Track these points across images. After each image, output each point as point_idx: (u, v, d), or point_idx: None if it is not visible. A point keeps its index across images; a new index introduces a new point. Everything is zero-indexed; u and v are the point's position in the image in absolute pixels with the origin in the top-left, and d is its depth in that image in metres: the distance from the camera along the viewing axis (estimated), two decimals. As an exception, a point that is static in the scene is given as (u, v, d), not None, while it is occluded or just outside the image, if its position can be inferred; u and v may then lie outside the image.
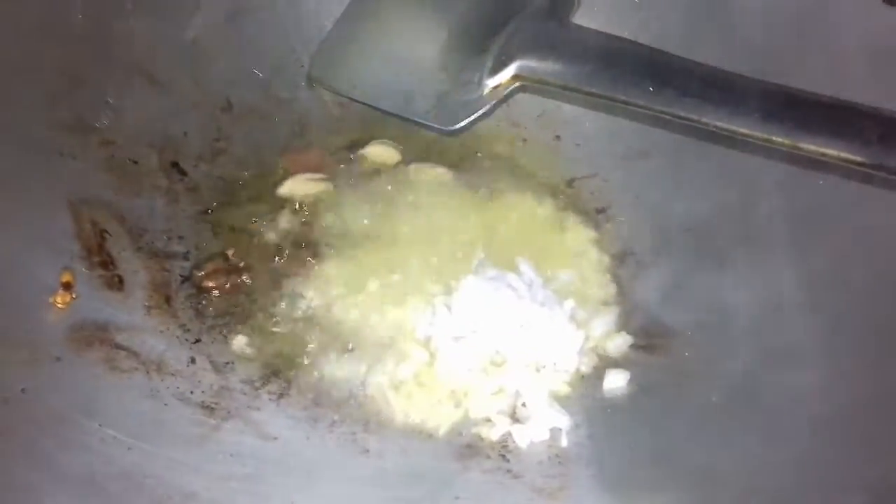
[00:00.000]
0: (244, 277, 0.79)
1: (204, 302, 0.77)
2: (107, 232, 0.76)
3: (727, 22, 0.89)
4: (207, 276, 0.78)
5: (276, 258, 0.81)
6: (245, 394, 0.71)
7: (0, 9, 0.75)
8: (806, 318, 0.73)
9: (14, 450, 0.55)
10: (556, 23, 0.85)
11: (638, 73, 0.75)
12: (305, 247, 0.82)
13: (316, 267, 0.80)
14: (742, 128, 0.69)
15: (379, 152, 0.93)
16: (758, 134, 0.68)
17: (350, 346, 0.75)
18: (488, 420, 0.72)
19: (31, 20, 0.77)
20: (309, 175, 0.89)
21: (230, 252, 0.81)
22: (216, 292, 0.78)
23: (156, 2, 0.87)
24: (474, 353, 0.75)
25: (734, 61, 0.76)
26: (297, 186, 0.88)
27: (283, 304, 0.78)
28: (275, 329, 0.76)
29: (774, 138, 0.66)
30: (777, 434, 0.67)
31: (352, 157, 0.92)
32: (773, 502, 0.63)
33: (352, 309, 0.77)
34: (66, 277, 0.70)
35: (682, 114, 0.72)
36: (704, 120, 0.71)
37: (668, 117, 0.74)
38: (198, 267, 0.79)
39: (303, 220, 0.85)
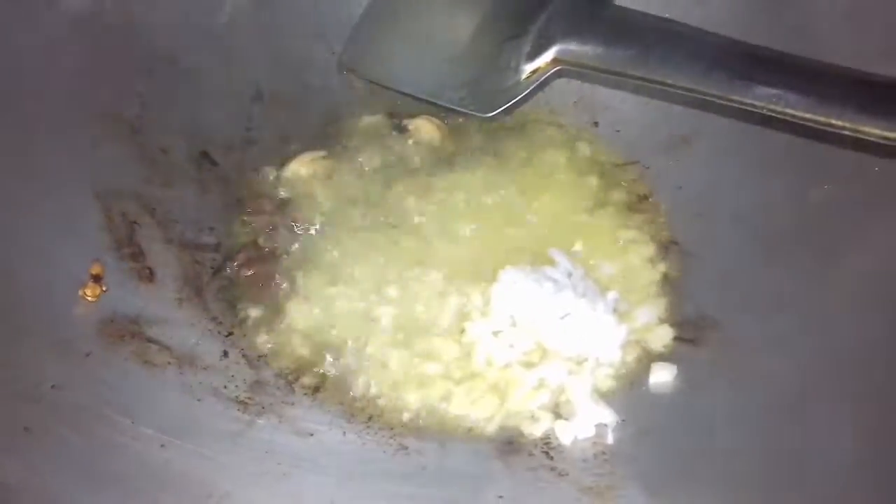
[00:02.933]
0: (275, 266, 0.77)
1: (236, 293, 0.75)
2: (136, 223, 0.74)
3: (772, 4, 0.86)
4: (240, 266, 0.76)
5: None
6: (279, 388, 0.69)
7: (29, -1, 0.73)
8: (860, 314, 0.70)
9: (45, 449, 0.54)
10: (597, 4, 0.82)
11: (687, 56, 0.72)
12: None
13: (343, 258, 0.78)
14: (801, 111, 0.65)
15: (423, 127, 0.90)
16: (819, 118, 0.64)
17: (385, 339, 0.73)
18: (531, 416, 0.69)
19: (60, 9, 0.76)
20: (311, 154, 0.87)
21: (260, 240, 0.79)
22: (248, 282, 0.76)
23: (185, -12, 0.85)
24: (513, 347, 0.72)
25: (783, 43, 0.73)
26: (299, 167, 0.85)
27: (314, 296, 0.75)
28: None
29: (835, 122, 0.63)
30: (829, 435, 0.64)
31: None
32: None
33: (386, 302, 0.75)
34: (95, 269, 0.68)
35: (736, 97, 0.69)
36: (759, 104, 0.68)
37: (719, 101, 0.71)
38: (229, 257, 0.77)
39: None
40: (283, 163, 0.85)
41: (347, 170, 0.87)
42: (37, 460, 0.52)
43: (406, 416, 0.69)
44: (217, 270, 0.76)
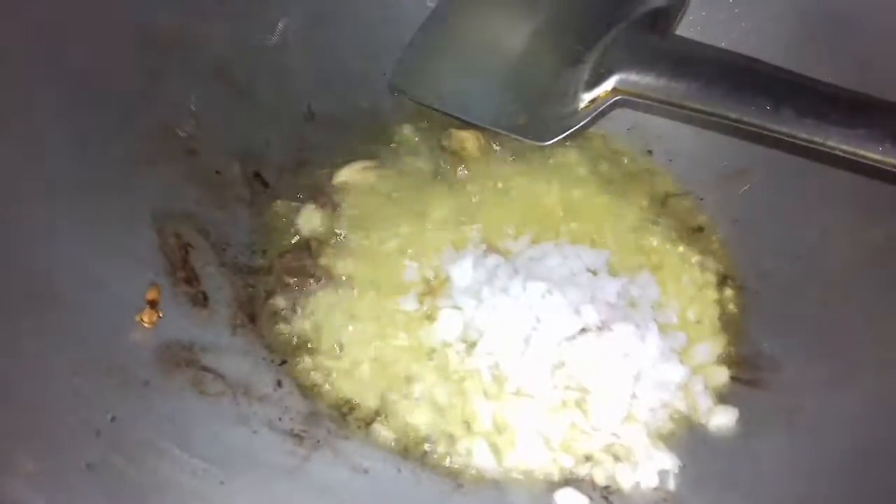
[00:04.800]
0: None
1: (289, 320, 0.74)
2: (190, 245, 0.73)
3: (837, 36, 0.84)
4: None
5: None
6: (333, 420, 0.68)
7: (86, 17, 0.73)
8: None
9: (108, 483, 0.52)
10: (658, 34, 0.80)
11: (753, 90, 0.71)
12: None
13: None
14: (875, 154, 0.64)
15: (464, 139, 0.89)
16: (893, 160, 0.63)
17: (434, 373, 0.71)
18: (588, 459, 0.68)
19: (116, 27, 0.75)
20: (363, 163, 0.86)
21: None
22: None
23: (239, 8, 0.85)
24: (565, 386, 0.70)
25: (845, 79, 0.72)
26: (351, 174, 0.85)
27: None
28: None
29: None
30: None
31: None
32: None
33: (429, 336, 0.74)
34: (151, 294, 0.67)
35: (804, 135, 0.68)
36: (830, 143, 0.66)
37: (784, 138, 0.69)
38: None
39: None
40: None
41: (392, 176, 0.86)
42: (99, 498, 0.51)
43: (460, 455, 0.67)
44: (270, 294, 0.75)
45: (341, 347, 0.72)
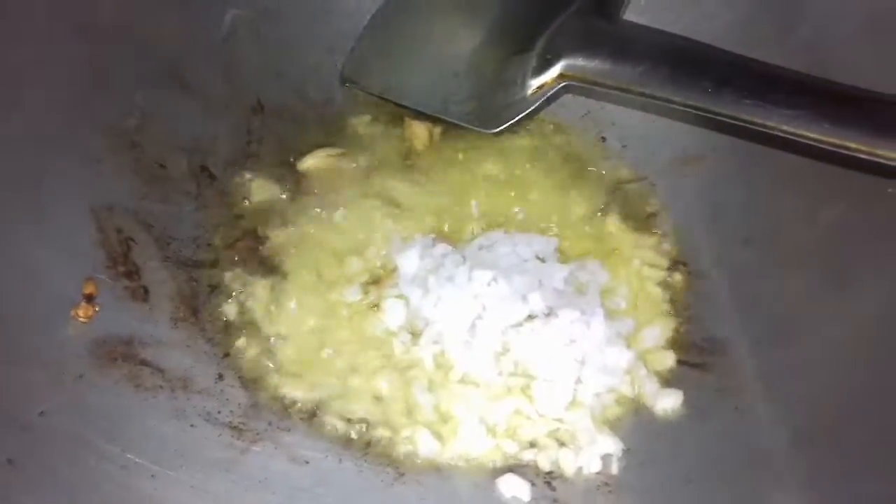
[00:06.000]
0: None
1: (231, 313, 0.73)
2: (132, 240, 0.73)
3: (784, 19, 0.84)
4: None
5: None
6: (275, 412, 0.67)
7: (28, 8, 0.72)
8: (873, 340, 0.68)
9: (32, 478, 0.52)
10: (604, 19, 0.80)
11: (695, 73, 0.71)
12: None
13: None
14: (815, 133, 0.64)
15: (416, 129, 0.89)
16: (833, 140, 0.63)
17: (377, 363, 0.71)
18: (532, 445, 0.67)
19: (59, 19, 0.75)
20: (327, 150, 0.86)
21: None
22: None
23: (187, 1, 0.84)
24: (510, 373, 0.70)
25: (795, 60, 0.72)
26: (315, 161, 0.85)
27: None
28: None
29: (850, 144, 0.61)
30: (840, 467, 0.62)
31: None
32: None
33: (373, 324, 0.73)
34: (88, 289, 0.66)
35: (744, 117, 0.68)
36: (769, 124, 0.66)
37: (729, 121, 0.69)
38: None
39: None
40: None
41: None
42: (20, 494, 0.50)
43: (403, 444, 0.67)
44: (214, 287, 0.74)
45: (285, 339, 0.71)
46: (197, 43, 0.85)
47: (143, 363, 0.65)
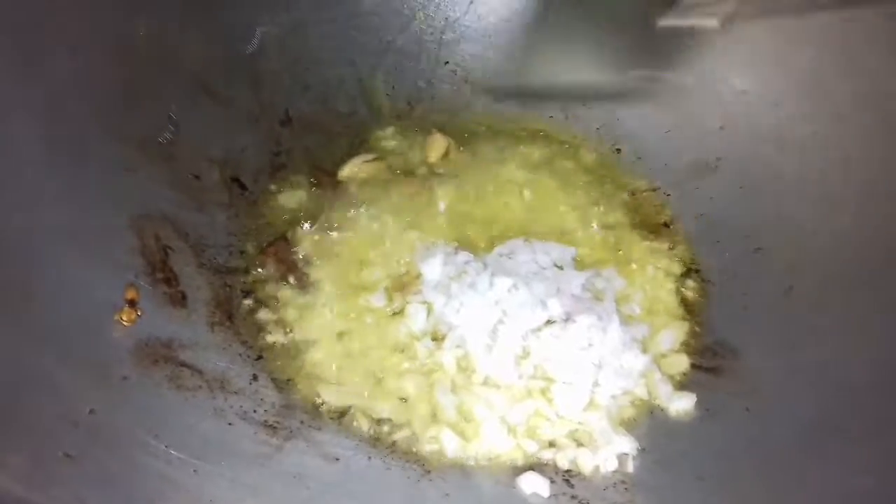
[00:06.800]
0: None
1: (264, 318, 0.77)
2: (170, 247, 0.76)
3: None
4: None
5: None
6: (307, 412, 0.70)
7: (65, 24, 0.75)
8: (882, 350, 0.70)
9: (84, 473, 0.55)
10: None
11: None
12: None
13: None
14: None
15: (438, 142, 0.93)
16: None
17: (402, 366, 0.74)
18: (552, 445, 0.70)
19: (95, 36, 0.78)
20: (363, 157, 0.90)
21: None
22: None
23: (218, 18, 0.88)
24: (530, 376, 0.73)
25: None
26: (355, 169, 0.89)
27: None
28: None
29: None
30: (846, 470, 0.64)
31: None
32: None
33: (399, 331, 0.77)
34: (130, 294, 0.70)
35: None
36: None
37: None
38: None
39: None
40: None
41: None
42: (79, 486, 0.54)
43: (428, 444, 0.70)
44: (247, 293, 0.78)
45: (313, 343, 0.75)
46: (228, 58, 0.89)
47: (183, 364, 0.68)
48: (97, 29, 0.78)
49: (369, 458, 0.68)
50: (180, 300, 0.73)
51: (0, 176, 0.66)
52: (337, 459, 0.67)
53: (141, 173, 0.78)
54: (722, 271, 0.84)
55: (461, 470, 0.68)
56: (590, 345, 0.74)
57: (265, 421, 0.67)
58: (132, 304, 0.69)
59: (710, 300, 0.82)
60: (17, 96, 0.69)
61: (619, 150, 0.95)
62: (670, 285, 0.83)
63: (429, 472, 0.68)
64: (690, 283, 0.83)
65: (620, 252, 0.85)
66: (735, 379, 0.75)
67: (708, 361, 0.77)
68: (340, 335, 0.75)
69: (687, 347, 0.78)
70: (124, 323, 0.68)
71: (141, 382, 0.64)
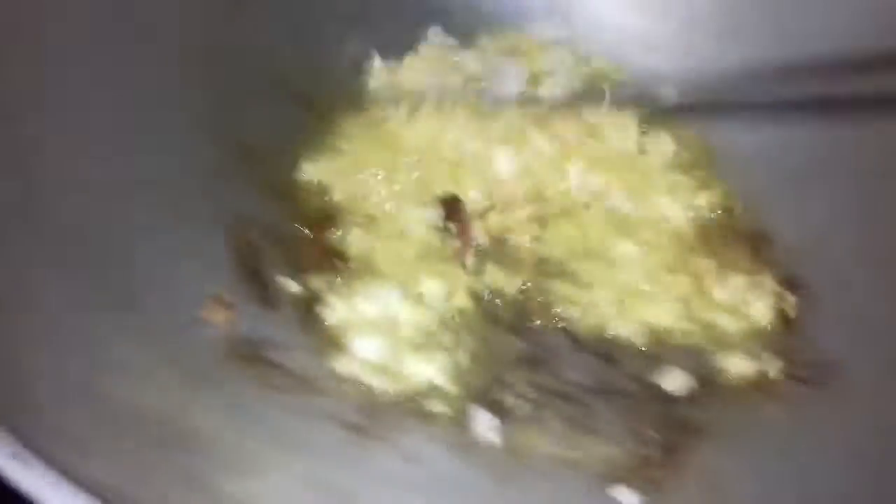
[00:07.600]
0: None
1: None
2: (260, 251, 0.78)
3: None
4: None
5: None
6: (390, 415, 0.71)
7: (163, 28, 0.80)
8: None
9: (174, 474, 0.57)
10: None
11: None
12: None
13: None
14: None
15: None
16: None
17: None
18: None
19: (193, 40, 0.82)
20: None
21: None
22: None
23: (308, 30, 0.91)
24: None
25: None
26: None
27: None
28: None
29: None
30: None
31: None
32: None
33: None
34: (223, 296, 0.72)
35: None
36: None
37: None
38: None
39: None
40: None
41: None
42: (163, 484, 0.55)
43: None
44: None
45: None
46: (315, 67, 0.91)
47: (273, 365, 0.69)
48: (190, 36, 0.82)
49: (451, 461, 0.68)
50: (270, 302, 0.75)
51: (101, 183, 0.69)
52: (420, 462, 0.67)
53: (232, 179, 0.81)
54: (821, 281, 0.80)
55: (546, 474, 0.68)
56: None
57: (350, 422, 0.68)
58: (225, 305, 0.71)
59: (809, 312, 0.79)
60: (105, 99, 0.74)
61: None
62: (768, 296, 0.80)
63: (511, 476, 0.67)
64: (788, 292, 0.80)
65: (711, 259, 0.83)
66: (836, 395, 0.72)
67: (807, 375, 0.74)
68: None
69: (785, 360, 0.75)
70: (218, 323, 0.70)
71: (232, 380, 0.66)
